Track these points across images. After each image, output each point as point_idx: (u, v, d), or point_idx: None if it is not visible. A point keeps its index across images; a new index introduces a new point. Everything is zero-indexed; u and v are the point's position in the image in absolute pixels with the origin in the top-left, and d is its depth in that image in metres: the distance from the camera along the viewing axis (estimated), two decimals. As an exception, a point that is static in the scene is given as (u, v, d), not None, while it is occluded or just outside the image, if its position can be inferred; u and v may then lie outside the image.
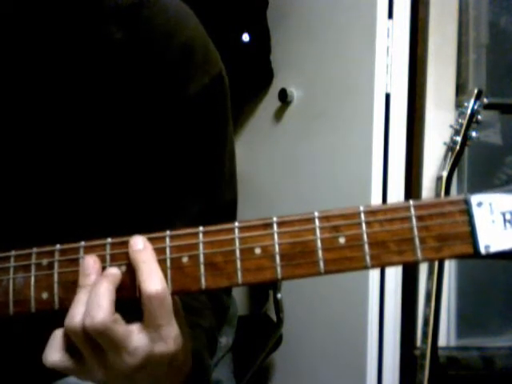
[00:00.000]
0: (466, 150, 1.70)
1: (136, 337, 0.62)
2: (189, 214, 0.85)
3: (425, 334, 1.66)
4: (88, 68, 0.82)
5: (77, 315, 0.62)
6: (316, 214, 0.60)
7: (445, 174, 1.69)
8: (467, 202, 0.56)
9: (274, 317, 2.03)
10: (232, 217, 0.90)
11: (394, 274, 1.78)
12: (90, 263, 0.64)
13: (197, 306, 0.80)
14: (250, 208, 1.95)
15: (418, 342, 1.74)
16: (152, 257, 0.63)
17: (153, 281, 0.62)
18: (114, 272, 0.64)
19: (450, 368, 1.77)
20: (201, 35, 0.89)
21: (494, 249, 0.55)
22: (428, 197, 1.80)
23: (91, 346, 0.63)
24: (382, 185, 1.78)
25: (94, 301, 0.62)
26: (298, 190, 2.05)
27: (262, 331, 2.01)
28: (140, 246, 0.63)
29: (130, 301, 0.63)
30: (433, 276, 1.66)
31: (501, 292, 1.86)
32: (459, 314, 1.86)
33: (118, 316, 0.62)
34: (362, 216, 0.59)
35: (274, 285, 1.97)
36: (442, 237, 0.57)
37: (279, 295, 1.99)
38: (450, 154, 1.70)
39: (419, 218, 0.57)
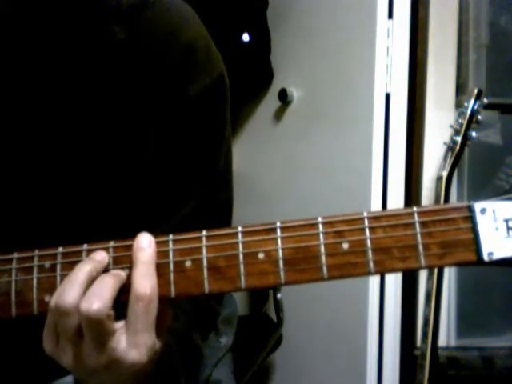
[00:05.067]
0: (466, 150, 1.70)
1: (118, 337, 0.62)
2: (183, 212, 0.85)
3: (425, 334, 1.66)
4: (90, 68, 0.82)
5: (71, 295, 0.61)
6: (320, 219, 0.60)
7: (445, 174, 1.69)
8: (471, 209, 0.57)
9: (274, 317, 2.03)
10: (227, 216, 0.90)
11: (394, 275, 1.78)
12: (97, 257, 0.64)
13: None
14: (249, 208, 1.95)
15: (418, 342, 1.74)
16: (152, 259, 0.63)
17: (145, 283, 0.62)
18: (121, 273, 0.64)
19: (450, 368, 1.77)
20: (203, 35, 0.89)
21: (497, 256, 0.55)
22: (428, 197, 1.80)
23: (73, 331, 0.62)
24: (382, 185, 1.78)
25: (96, 289, 0.62)
26: (297, 189, 2.05)
27: (261, 331, 2.01)
28: (144, 244, 0.63)
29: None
30: (433, 276, 1.66)
31: (501, 292, 1.86)
32: (459, 314, 1.86)
33: (112, 313, 0.62)
34: (366, 222, 0.59)
35: (274, 285, 1.97)
36: (445, 244, 0.57)
37: (279, 295, 2.00)
38: (450, 154, 1.70)
39: (423, 225, 0.58)
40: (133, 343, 0.62)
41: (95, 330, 0.61)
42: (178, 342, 0.77)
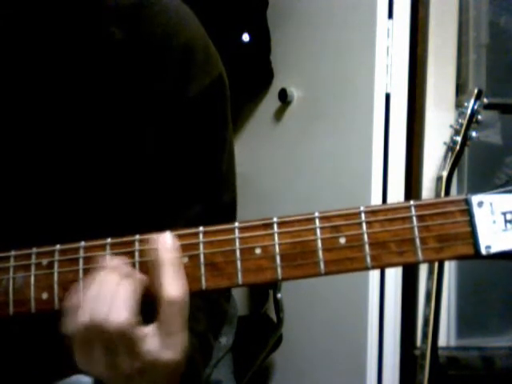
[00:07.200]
0: (466, 150, 1.70)
1: (150, 340, 0.62)
2: (187, 214, 0.85)
3: (425, 334, 1.66)
4: (89, 68, 0.82)
5: (103, 311, 0.61)
6: (316, 214, 0.60)
7: (445, 173, 1.69)
8: (468, 202, 0.56)
9: (274, 317, 2.03)
10: (231, 217, 0.90)
11: (394, 274, 1.78)
12: (114, 264, 0.64)
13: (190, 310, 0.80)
14: (249, 208, 1.94)
15: (418, 342, 1.74)
16: (179, 260, 0.62)
17: (177, 285, 0.61)
18: (141, 277, 0.63)
19: (450, 368, 1.77)
20: (201, 36, 0.89)
21: (494, 249, 0.55)
22: (428, 197, 1.80)
23: (107, 344, 0.62)
24: (382, 185, 1.78)
25: (119, 301, 0.61)
26: (298, 190, 2.05)
27: (261, 331, 2.01)
28: (170, 245, 0.63)
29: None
30: (433, 276, 1.66)
31: (501, 292, 1.86)
32: (459, 314, 1.86)
33: (139, 320, 0.62)
34: (363, 216, 0.59)
35: (274, 285, 1.97)
36: (442, 237, 0.57)
37: (279, 295, 1.99)
38: (450, 154, 1.70)
39: (420, 218, 0.57)
40: (167, 344, 0.62)
41: (126, 340, 0.61)
42: (199, 342, 0.77)
